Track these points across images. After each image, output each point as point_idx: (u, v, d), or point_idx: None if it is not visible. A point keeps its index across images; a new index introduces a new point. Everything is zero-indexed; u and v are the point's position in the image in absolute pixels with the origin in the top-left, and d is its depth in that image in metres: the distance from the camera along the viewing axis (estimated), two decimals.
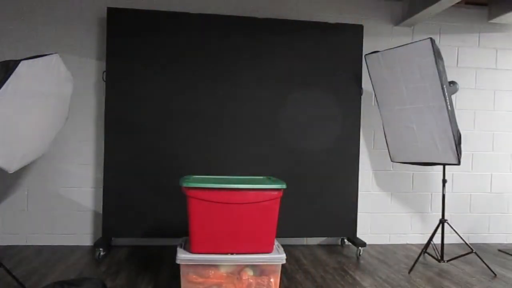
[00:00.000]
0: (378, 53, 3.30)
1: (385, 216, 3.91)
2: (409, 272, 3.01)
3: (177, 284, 2.38)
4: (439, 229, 3.13)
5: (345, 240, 3.80)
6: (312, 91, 3.54)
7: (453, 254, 3.22)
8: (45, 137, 2.62)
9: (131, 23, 3.36)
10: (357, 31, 3.62)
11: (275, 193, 2.36)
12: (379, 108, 3.46)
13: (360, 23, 3.70)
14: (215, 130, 3.44)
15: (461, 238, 3.12)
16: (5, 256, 3.11)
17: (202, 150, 3.42)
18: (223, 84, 3.45)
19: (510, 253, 3.65)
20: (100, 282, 2.35)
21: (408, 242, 3.91)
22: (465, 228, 3.98)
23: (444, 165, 3.11)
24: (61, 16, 3.49)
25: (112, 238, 3.49)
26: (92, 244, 3.52)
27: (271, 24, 3.51)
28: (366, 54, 3.43)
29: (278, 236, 2.47)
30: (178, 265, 2.30)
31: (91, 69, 3.53)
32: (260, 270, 2.35)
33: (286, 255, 2.38)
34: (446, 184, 3.15)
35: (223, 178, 2.68)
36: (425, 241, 3.24)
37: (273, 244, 2.41)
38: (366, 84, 3.63)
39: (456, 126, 2.94)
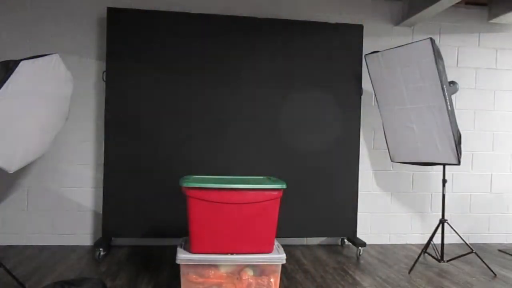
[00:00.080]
0: (378, 53, 3.30)
1: (385, 216, 3.91)
2: (409, 272, 3.01)
3: (177, 284, 2.38)
4: (439, 229, 3.12)
5: (345, 240, 3.80)
6: (312, 91, 3.54)
7: (453, 254, 3.22)
8: (45, 137, 2.62)
9: (131, 23, 3.36)
10: (357, 31, 3.62)
11: (275, 193, 2.36)
12: (379, 108, 3.46)
13: (360, 23, 3.70)
14: (215, 130, 3.44)
15: (461, 238, 3.12)
16: (5, 256, 3.12)
17: (202, 150, 3.42)
18: (223, 84, 3.45)
19: (510, 253, 3.65)
20: (100, 282, 2.35)
21: (408, 242, 3.91)
22: (465, 228, 3.98)
23: (444, 165, 3.11)
24: (61, 16, 3.49)
25: (112, 238, 3.49)
26: (92, 244, 3.52)
27: (271, 24, 3.51)
28: (366, 54, 3.43)
29: (278, 236, 2.47)
30: (178, 265, 2.30)
31: (91, 69, 3.53)
32: (260, 270, 2.35)
33: (286, 255, 2.38)
34: (446, 184, 3.15)
35: (223, 178, 2.68)
36: (425, 241, 3.24)
37: (273, 244, 2.41)
38: (366, 84, 3.64)
39: (456, 126, 2.94)
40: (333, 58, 3.57)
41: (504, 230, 4.08)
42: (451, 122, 2.90)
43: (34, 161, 3.29)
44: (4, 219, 3.45)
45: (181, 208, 2.65)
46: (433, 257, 3.17)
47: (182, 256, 2.30)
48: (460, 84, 3.37)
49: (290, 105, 3.51)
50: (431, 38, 2.88)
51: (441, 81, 2.89)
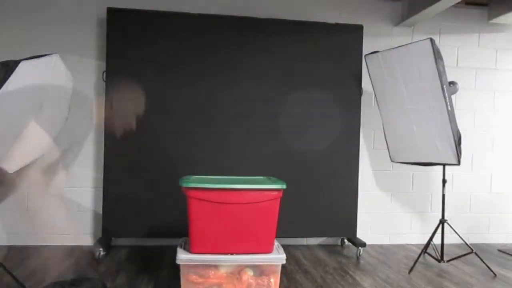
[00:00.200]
0: (378, 53, 3.30)
1: (385, 216, 3.91)
2: (409, 272, 3.01)
3: (177, 284, 2.38)
4: (439, 229, 3.13)
5: (345, 240, 3.80)
6: (312, 91, 3.54)
7: (453, 254, 3.22)
8: (45, 137, 2.62)
9: (131, 23, 3.36)
10: (357, 31, 3.62)
11: (275, 193, 2.36)
12: (379, 108, 3.46)
13: (360, 23, 3.70)
14: (215, 130, 3.44)
15: (461, 238, 3.12)
16: (5, 256, 3.11)
17: (202, 150, 3.42)
18: (223, 84, 3.45)
19: (510, 253, 3.65)
20: (100, 282, 2.35)
21: (408, 242, 3.92)
22: (465, 228, 3.98)
23: (444, 165, 3.11)
24: (61, 16, 3.49)
25: (112, 238, 3.49)
26: (92, 244, 3.52)
27: (271, 25, 3.51)
28: (366, 54, 3.43)
29: (278, 236, 2.47)
30: (178, 265, 2.30)
31: (91, 69, 3.53)
32: (260, 270, 2.35)
33: (286, 255, 2.38)
34: (446, 184, 3.15)
35: (223, 178, 2.68)
36: (425, 241, 3.23)
37: (273, 244, 2.41)
38: (366, 84, 3.63)
39: (456, 126, 2.94)
40: (333, 58, 3.58)
41: (504, 230, 4.08)
42: (451, 122, 2.90)
43: (34, 161, 3.29)
44: (4, 219, 3.45)
45: (181, 208, 2.65)
46: (433, 257, 3.17)
47: (182, 256, 2.30)
48: (460, 84, 3.36)
49: (290, 105, 3.51)
50: (431, 38, 2.88)
51: (441, 81, 2.88)
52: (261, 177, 2.81)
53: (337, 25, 3.60)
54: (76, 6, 3.51)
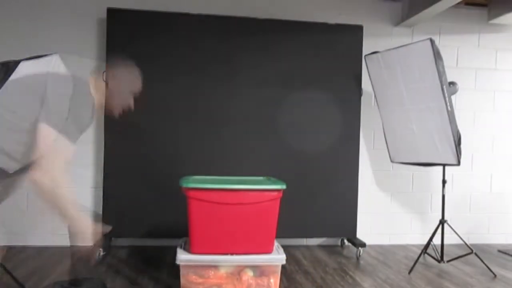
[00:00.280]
0: (378, 53, 3.30)
1: (385, 217, 3.91)
2: (409, 273, 3.01)
3: (177, 285, 2.38)
4: (439, 230, 3.13)
5: (345, 241, 3.79)
6: (312, 91, 3.54)
7: (453, 255, 3.22)
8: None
9: (131, 24, 3.36)
10: (357, 31, 3.62)
11: (275, 193, 2.36)
12: (378, 108, 3.46)
13: (360, 23, 3.70)
14: (215, 131, 3.44)
15: (461, 238, 3.12)
16: (5, 257, 3.11)
17: (202, 150, 3.42)
18: (223, 85, 3.45)
19: (510, 253, 3.65)
20: (100, 282, 2.35)
21: (408, 243, 3.91)
22: (465, 228, 3.98)
23: (444, 165, 3.11)
24: (61, 16, 3.49)
25: (112, 238, 3.49)
26: (92, 244, 3.51)
27: (271, 25, 3.51)
28: (366, 55, 3.43)
29: (278, 236, 2.47)
30: (178, 266, 2.30)
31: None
32: (260, 271, 2.35)
33: (286, 256, 2.38)
34: (446, 185, 3.15)
35: (222, 178, 2.68)
36: (425, 242, 3.23)
37: (273, 244, 2.41)
38: (366, 84, 3.63)
39: (456, 126, 2.94)
40: (333, 58, 3.58)
41: (504, 231, 4.08)
42: (451, 123, 2.90)
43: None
44: (4, 219, 3.45)
45: (181, 208, 2.66)
46: (433, 257, 3.17)
47: (182, 256, 2.30)
48: (460, 84, 3.36)
49: (290, 106, 3.51)
50: (431, 39, 2.88)
51: (441, 82, 2.89)
52: (261, 178, 2.81)
53: (337, 26, 3.60)
54: (76, 6, 3.51)
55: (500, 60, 4.06)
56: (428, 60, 2.91)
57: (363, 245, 3.43)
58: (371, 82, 3.45)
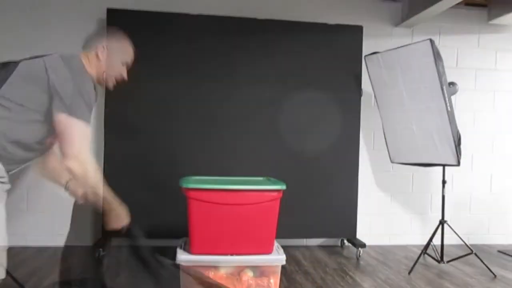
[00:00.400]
0: (378, 54, 3.30)
1: (385, 217, 3.91)
2: (409, 273, 3.01)
3: (177, 285, 2.38)
4: (439, 230, 3.13)
5: (345, 241, 3.79)
6: (312, 92, 3.54)
7: (453, 255, 3.22)
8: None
9: (131, 24, 3.34)
10: (356, 32, 3.62)
11: (275, 194, 2.36)
12: (378, 109, 3.46)
13: (360, 24, 3.70)
14: (215, 131, 3.44)
15: (461, 239, 3.11)
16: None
17: (202, 150, 3.42)
18: (223, 85, 3.45)
19: (510, 254, 3.65)
20: (100, 282, 2.35)
21: (408, 243, 3.91)
22: (465, 229, 3.96)
23: (444, 166, 3.11)
24: (61, 16, 3.49)
25: (112, 238, 3.49)
26: (92, 244, 3.51)
27: (271, 25, 3.51)
28: (366, 55, 3.43)
29: (278, 237, 2.47)
30: (178, 266, 2.30)
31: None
32: (260, 271, 2.35)
33: (286, 256, 2.38)
34: (446, 185, 3.15)
35: (222, 179, 2.67)
36: (425, 242, 3.23)
37: (273, 245, 2.41)
38: (365, 85, 3.63)
39: (456, 127, 2.94)
40: (333, 59, 3.58)
41: (504, 231, 4.08)
42: (450, 123, 2.90)
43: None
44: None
45: (181, 208, 2.65)
46: (433, 258, 3.17)
47: (182, 257, 2.30)
48: (460, 85, 3.36)
49: (290, 106, 3.51)
50: (430, 39, 2.88)
51: (440, 82, 2.89)
52: (261, 178, 2.80)
53: (337, 26, 3.60)
54: (76, 6, 3.51)
55: (500, 61, 4.06)
56: (428, 60, 2.91)
57: (363, 245, 3.43)
58: (371, 82, 3.45)
